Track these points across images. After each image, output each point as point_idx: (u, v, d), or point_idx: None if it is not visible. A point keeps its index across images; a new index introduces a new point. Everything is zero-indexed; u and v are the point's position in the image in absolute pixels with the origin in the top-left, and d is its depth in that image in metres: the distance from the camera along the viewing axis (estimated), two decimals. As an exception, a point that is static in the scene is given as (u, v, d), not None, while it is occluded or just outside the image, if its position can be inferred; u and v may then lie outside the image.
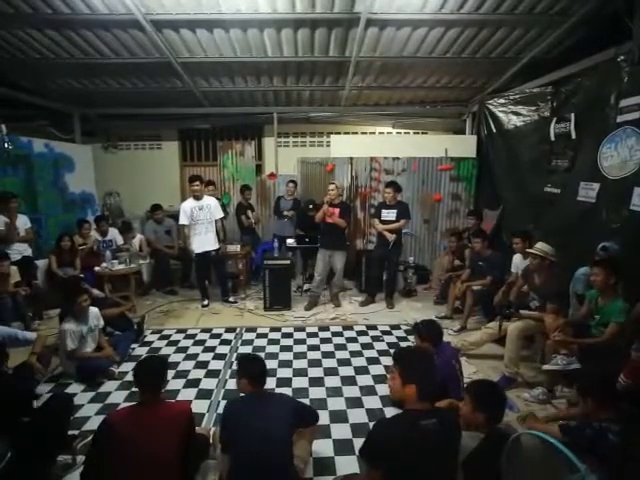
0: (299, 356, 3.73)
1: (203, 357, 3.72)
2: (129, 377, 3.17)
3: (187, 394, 3.09)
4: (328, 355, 3.75)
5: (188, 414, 1.95)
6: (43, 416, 2.12)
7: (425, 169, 5.99)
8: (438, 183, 6.02)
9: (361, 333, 4.25)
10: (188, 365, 3.56)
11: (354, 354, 3.77)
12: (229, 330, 4.29)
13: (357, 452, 1.72)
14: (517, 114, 5.13)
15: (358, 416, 2.82)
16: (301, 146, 7.21)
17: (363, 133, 7.05)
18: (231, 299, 5.13)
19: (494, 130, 5.65)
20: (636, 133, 3.27)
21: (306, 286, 5.41)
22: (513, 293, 3.73)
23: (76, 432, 2.55)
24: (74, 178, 6.07)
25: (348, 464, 2.28)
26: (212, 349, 3.88)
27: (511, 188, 5.26)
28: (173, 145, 7.35)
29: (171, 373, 3.41)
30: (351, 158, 5.96)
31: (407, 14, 3.90)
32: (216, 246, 4.90)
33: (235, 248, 5.41)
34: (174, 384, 3.25)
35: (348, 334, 4.22)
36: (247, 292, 5.49)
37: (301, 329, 4.34)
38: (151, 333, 4.23)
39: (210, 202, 4.85)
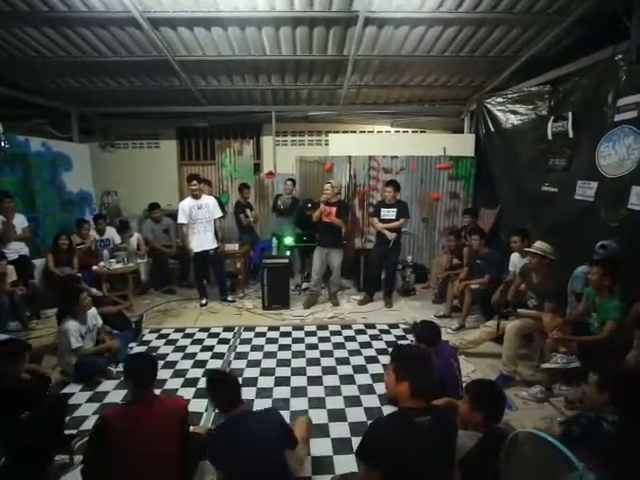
0: (297, 355, 3.73)
1: (201, 356, 3.71)
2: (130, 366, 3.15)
3: (185, 393, 3.07)
4: (326, 354, 3.75)
5: (184, 409, 1.96)
6: (39, 416, 2.10)
7: (423, 168, 5.99)
8: (436, 182, 6.02)
9: (360, 332, 4.25)
10: (186, 364, 3.56)
11: (353, 353, 3.77)
12: (227, 329, 4.29)
13: (354, 453, 1.72)
14: (515, 113, 5.13)
15: (356, 415, 2.81)
16: (299, 145, 7.21)
17: (361, 132, 7.05)
18: (229, 298, 5.12)
19: (492, 129, 5.65)
20: (634, 132, 3.28)
21: (304, 285, 5.41)
22: (511, 292, 3.73)
23: (74, 432, 2.54)
24: (72, 177, 6.04)
25: (346, 463, 2.27)
26: (210, 348, 3.87)
27: (509, 187, 5.27)
28: (171, 144, 7.33)
29: (169, 372, 3.41)
30: (349, 157, 5.95)
31: (405, 12, 3.90)
32: (214, 245, 4.89)
33: (233, 247, 5.41)
34: (172, 383, 3.25)
35: (347, 333, 4.22)
36: (245, 291, 5.49)
37: (299, 328, 4.34)
38: (149, 332, 4.22)
39: (209, 201, 4.84)
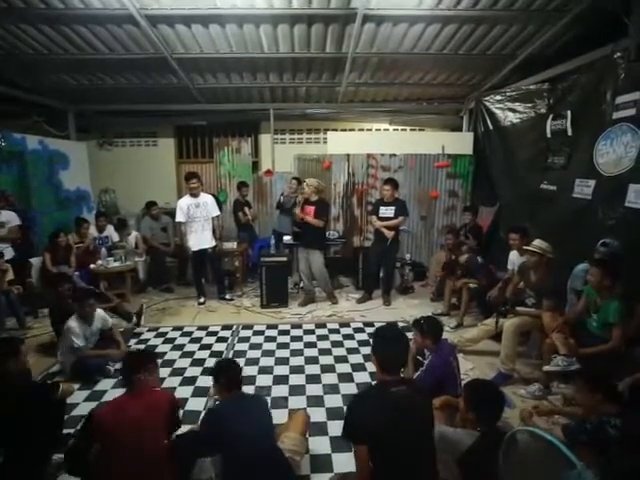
0: (296, 353, 3.73)
1: (199, 355, 3.71)
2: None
3: (183, 391, 3.07)
4: (325, 352, 3.75)
5: (170, 399, 2.02)
6: (37, 415, 2.10)
7: (422, 166, 5.99)
8: (435, 180, 6.02)
9: (358, 330, 4.25)
10: (184, 363, 3.56)
11: (351, 351, 3.77)
12: (225, 327, 4.28)
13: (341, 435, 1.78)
14: (514, 111, 5.12)
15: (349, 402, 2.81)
16: (298, 143, 7.19)
17: (360, 130, 7.04)
18: (227, 296, 5.11)
19: (491, 127, 5.65)
20: (631, 130, 3.28)
21: (302, 283, 5.40)
22: (509, 290, 3.73)
23: (71, 431, 2.53)
24: (69, 175, 6.02)
25: (345, 461, 2.27)
26: (209, 346, 3.87)
27: (508, 185, 5.27)
28: (169, 142, 7.31)
29: (167, 370, 3.40)
30: (348, 155, 5.95)
31: (404, 10, 3.89)
32: (212, 244, 4.88)
33: (232, 245, 5.40)
34: (170, 381, 3.24)
35: (345, 331, 4.22)
36: (244, 289, 5.48)
37: (298, 326, 4.34)
38: (147, 330, 4.21)
39: (207, 199, 4.82)
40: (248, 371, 3.37)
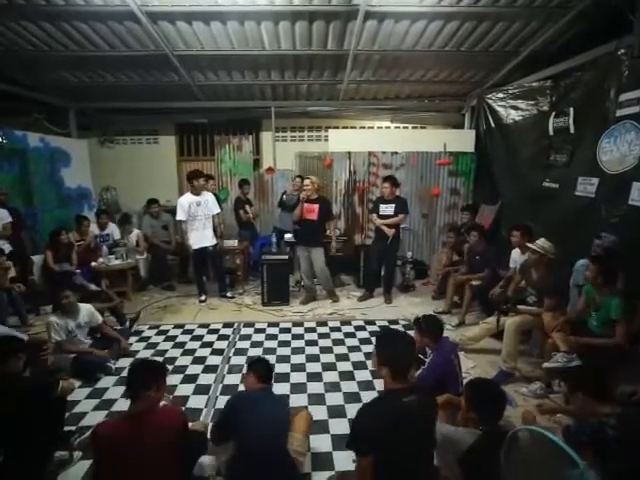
0: (297, 351, 3.73)
1: (201, 352, 3.71)
2: (126, 373, 3.15)
3: (185, 389, 3.08)
4: (326, 350, 3.75)
5: (178, 423, 1.85)
6: (37, 413, 2.10)
7: (423, 164, 5.97)
8: (437, 178, 6.01)
9: (359, 328, 4.24)
10: (186, 360, 3.56)
11: (352, 349, 3.76)
12: (227, 325, 4.28)
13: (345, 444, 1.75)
14: (516, 108, 5.10)
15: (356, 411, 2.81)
16: (299, 140, 7.17)
17: (361, 127, 7.01)
18: (229, 294, 5.11)
19: (493, 125, 5.63)
20: (635, 127, 3.26)
21: (303, 282, 5.40)
22: (511, 288, 3.72)
23: (73, 428, 2.54)
24: (70, 173, 6.02)
25: (346, 459, 2.26)
26: (210, 344, 3.87)
27: (510, 183, 5.25)
28: (170, 139, 7.29)
29: (169, 368, 3.39)
30: (349, 152, 5.93)
31: (406, 6, 3.86)
32: (214, 242, 4.87)
33: (233, 243, 5.40)
34: (172, 379, 3.23)
35: (346, 329, 4.22)
36: (245, 287, 5.48)
37: (299, 324, 4.33)
38: (148, 328, 4.21)
39: (208, 197, 4.82)
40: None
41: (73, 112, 6.58)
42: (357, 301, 5.03)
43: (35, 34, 4.29)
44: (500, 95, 5.41)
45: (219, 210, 4.99)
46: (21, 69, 5.21)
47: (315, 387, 3.13)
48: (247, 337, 4.02)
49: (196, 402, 2.90)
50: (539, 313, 3.24)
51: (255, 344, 3.87)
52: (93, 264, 4.82)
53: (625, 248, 3.17)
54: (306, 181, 4.67)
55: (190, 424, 2.15)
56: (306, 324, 4.34)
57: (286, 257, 4.91)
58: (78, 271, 4.64)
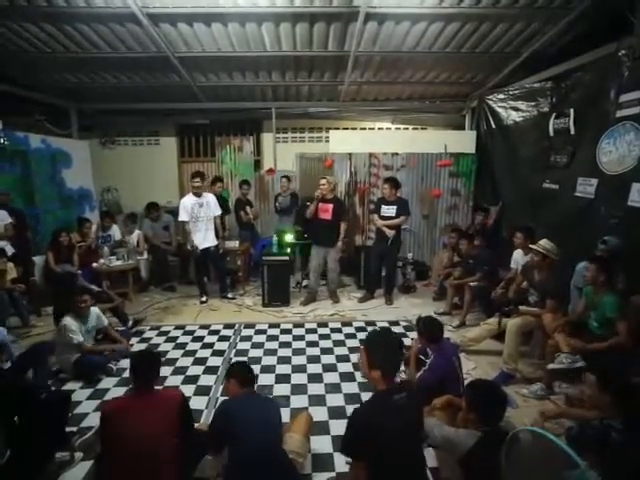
0: (298, 352, 3.73)
1: (201, 353, 3.72)
2: (128, 373, 3.16)
3: (185, 390, 3.05)
4: (327, 351, 3.75)
5: (177, 399, 1.98)
6: (41, 413, 2.10)
7: (424, 165, 5.97)
8: (437, 179, 6.01)
9: (360, 329, 4.24)
10: (186, 361, 3.56)
11: (353, 350, 3.76)
12: (228, 326, 4.29)
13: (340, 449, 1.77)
14: (516, 109, 5.11)
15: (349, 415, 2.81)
16: (300, 142, 7.18)
17: (362, 128, 7.02)
18: (230, 295, 5.12)
19: (493, 126, 5.63)
20: (635, 128, 3.26)
21: (305, 282, 5.41)
22: (512, 289, 3.72)
23: (74, 429, 2.54)
24: (71, 174, 6.03)
25: (346, 460, 2.27)
26: (210, 345, 3.87)
27: (510, 184, 5.25)
28: (171, 141, 7.30)
29: (169, 369, 3.41)
30: (350, 154, 5.93)
31: (406, 8, 3.87)
32: (215, 242, 4.89)
33: (234, 244, 5.40)
34: (172, 380, 3.25)
35: (347, 330, 4.22)
36: (246, 288, 5.48)
37: (300, 325, 4.34)
38: (149, 329, 4.22)
39: (209, 199, 4.83)
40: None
41: (74, 113, 6.60)
42: (358, 302, 5.03)
43: (37, 35, 4.30)
44: (501, 96, 5.41)
45: (220, 211, 5.00)
46: (22, 70, 5.22)
47: (316, 388, 3.13)
48: (248, 338, 4.03)
49: (197, 403, 2.90)
50: (540, 314, 3.24)
51: (256, 345, 3.87)
52: (94, 265, 4.83)
53: (625, 249, 3.18)
54: (322, 180, 4.70)
55: (195, 425, 2.16)
56: (307, 325, 4.34)
57: (287, 258, 4.91)
58: (79, 272, 4.64)
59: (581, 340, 2.90)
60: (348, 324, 4.37)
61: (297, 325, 4.34)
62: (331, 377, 3.29)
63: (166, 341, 3.97)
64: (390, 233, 4.71)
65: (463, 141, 6.09)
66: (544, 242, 3.37)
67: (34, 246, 5.04)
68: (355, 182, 6.02)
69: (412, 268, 5.57)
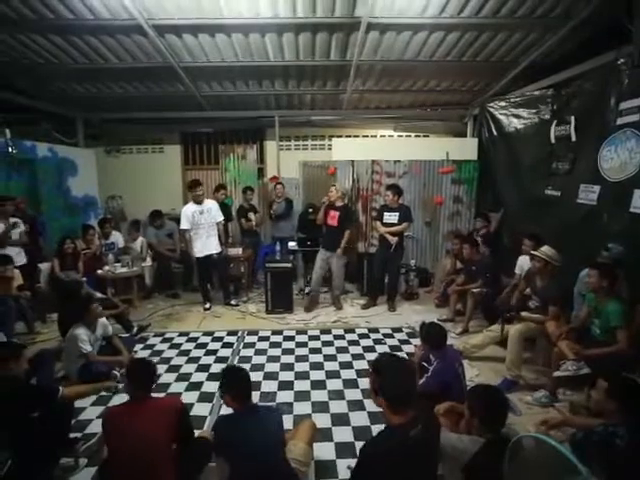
0: (301, 359, 3.74)
1: (205, 360, 3.73)
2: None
3: (189, 397, 3.09)
4: (330, 358, 3.76)
5: (176, 405, 2.01)
6: (45, 419, 2.12)
7: (426, 172, 5.99)
8: (439, 186, 6.02)
9: (363, 336, 4.25)
10: (190, 368, 3.58)
11: (356, 357, 3.77)
12: (231, 333, 4.30)
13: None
14: (518, 117, 5.14)
15: (360, 419, 2.81)
16: (303, 149, 7.23)
17: (364, 136, 7.07)
18: (233, 302, 5.14)
19: (495, 133, 5.66)
20: (636, 135, 3.27)
21: (307, 289, 5.42)
22: (515, 296, 3.72)
23: (78, 435, 2.56)
24: (77, 182, 6.11)
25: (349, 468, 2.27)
26: (214, 352, 3.89)
27: (512, 191, 5.26)
28: (175, 149, 7.37)
29: (173, 376, 3.43)
30: (353, 161, 5.97)
31: (408, 18, 3.92)
32: (218, 249, 4.92)
33: (237, 251, 5.43)
34: (176, 387, 3.26)
35: (350, 337, 4.23)
36: (249, 295, 5.50)
37: (303, 332, 4.35)
38: (153, 336, 4.25)
39: (211, 206, 4.88)
40: (253, 377, 3.30)
41: (81, 122, 6.69)
42: (361, 309, 5.04)
43: (44, 47, 4.38)
44: (502, 104, 5.45)
45: (222, 217, 5.04)
46: (30, 81, 5.31)
47: (319, 395, 3.13)
48: (251, 345, 4.04)
49: (200, 410, 2.92)
50: (543, 321, 3.24)
51: (259, 352, 3.89)
52: (99, 272, 4.87)
53: (628, 255, 3.18)
54: (331, 187, 4.83)
55: (197, 432, 2.17)
56: (310, 332, 4.35)
57: (289, 265, 4.94)
58: (84, 279, 4.69)
59: (584, 346, 2.90)
60: (351, 331, 4.37)
61: (300, 332, 4.35)
62: (334, 384, 3.29)
63: (170, 348, 3.99)
64: (393, 240, 4.73)
65: (465, 148, 6.12)
66: (546, 249, 3.38)
67: (39, 253, 5.09)
68: (358, 189, 6.04)
69: (415, 275, 5.57)
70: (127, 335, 4.03)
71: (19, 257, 4.44)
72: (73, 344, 3.16)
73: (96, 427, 2.68)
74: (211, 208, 4.86)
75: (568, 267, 3.47)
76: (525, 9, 3.75)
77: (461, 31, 4.15)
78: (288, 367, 3.58)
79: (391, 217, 4.81)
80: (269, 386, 3.26)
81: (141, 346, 4.02)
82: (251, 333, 4.31)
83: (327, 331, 4.37)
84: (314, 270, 4.97)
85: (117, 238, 5.48)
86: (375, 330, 4.38)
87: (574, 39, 4.19)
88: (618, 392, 1.96)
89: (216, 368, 3.56)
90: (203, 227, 4.80)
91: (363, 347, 3.98)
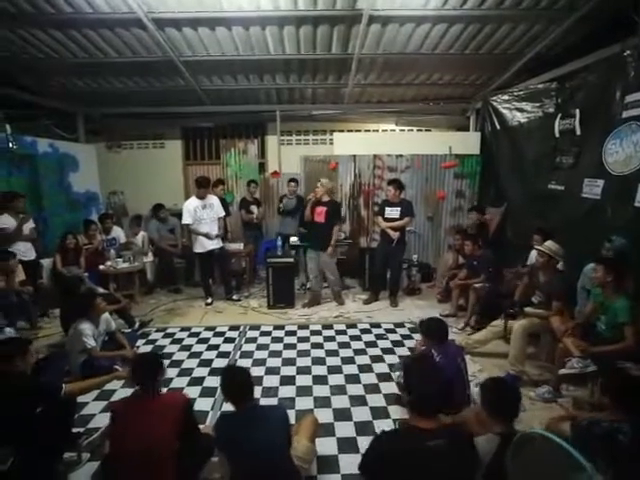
0: (303, 354, 3.74)
1: (207, 355, 3.74)
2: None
3: (191, 392, 3.09)
4: (332, 353, 3.75)
5: (182, 400, 2.02)
6: (48, 414, 2.12)
7: (429, 166, 5.96)
8: (442, 180, 5.99)
9: (365, 331, 4.24)
10: (192, 363, 3.58)
11: (358, 352, 3.76)
12: (233, 328, 4.30)
13: (357, 469, 1.66)
14: (521, 110, 5.08)
15: (362, 414, 2.81)
16: (304, 144, 7.20)
17: (366, 131, 7.03)
18: (235, 297, 5.14)
19: (498, 127, 5.61)
20: (641, 129, 3.23)
21: (309, 284, 5.41)
22: (518, 291, 3.69)
23: (81, 430, 2.57)
24: (78, 177, 6.09)
25: (352, 462, 2.26)
26: (216, 347, 3.89)
27: (515, 185, 5.22)
28: (176, 144, 7.35)
29: (175, 371, 3.43)
30: (354, 156, 5.94)
31: (410, 10, 3.88)
32: (220, 244, 4.91)
33: (238, 246, 5.42)
34: (178, 382, 3.27)
35: (352, 332, 4.22)
36: (251, 290, 5.50)
37: (305, 327, 4.34)
38: (155, 331, 4.25)
39: (213, 201, 4.86)
40: (255, 372, 3.37)
41: (81, 118, 6.66)
42: (363, 304, 5.03)
43: (44, 41, 4.36)
44: (505, 97, 5.39)
45: (224, 213, 5.02)
46: (30, 76, 5.29)
47: (321, 390, 3.13)
48: (253, 340, 4.04)
49: (202, 405, 2.92)
50: (547, 316, 3.22)
51: (261, 347, 3.89)
52: (101, 267, 4.87)
53: (632, 250, 3.15)
54: (318, 184, 4.70)
55: (200, 426, 2.17)
56: (312, 327, 4.35)
57: (291, 260, 4.93)
58: (86, 274, 4.69)
59: (589, 343, 2.87)
60: (353, 326, 4.37)
61: (302, 327, 4.35)
62: (336, 379, 3.29)
63: (172, 343, 3.99)
64: (394, 235, 4.71)
65: (467, 142, 6.08)
66: (549, 243, 3.36)
67: (42, 248, 5.09)
68: (359, 184, 6.02)
69: (417, 270, 5.56)
70: (129, 330, 4.04)
71: (30, 252, 4.51)
72: (77, 339, 3.16)
73: (99, 422, 2.69)
74: (213, 203, 4.85)
75: (572, 262, 3.45)
76: (529, 0, 3.70)
77: (464, 23, 4.10)
78: (290, 362, 3.58)
79: (393, 212, 4.78)
80: (271, 381, 3.26)
81: (143, 341, 4.02)
82: (253, 328, 4.31)
83: (329, 326, 4.36)
84: (310, 273, 4.93)
85: (118, 233, 5.48)
86: (377, 325, 4.38)
87: (578, 31, 4.14)
88: (611, 388, 1.96)
89: (218, 363, 3.56)
90: (205, 222, 4.78)
91: (365, 342, 3.98)
